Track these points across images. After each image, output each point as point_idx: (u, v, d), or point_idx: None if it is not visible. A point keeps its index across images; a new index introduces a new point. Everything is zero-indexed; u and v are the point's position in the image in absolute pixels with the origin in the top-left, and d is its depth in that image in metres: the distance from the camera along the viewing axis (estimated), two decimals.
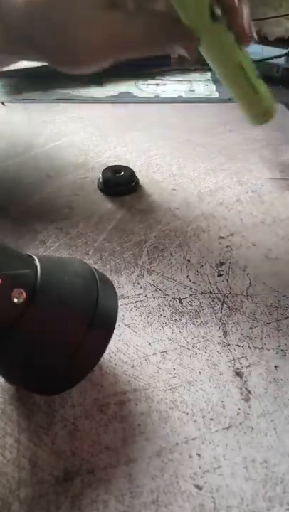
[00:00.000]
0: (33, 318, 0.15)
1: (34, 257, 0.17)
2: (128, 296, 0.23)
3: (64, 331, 0.16)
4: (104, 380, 0.19)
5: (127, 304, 0.23)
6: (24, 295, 0.15)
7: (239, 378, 0.19)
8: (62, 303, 0.16)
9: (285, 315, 0.22)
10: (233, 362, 0.20)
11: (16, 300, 0.15)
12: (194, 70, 0.52)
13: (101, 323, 0.17)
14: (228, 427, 0.18)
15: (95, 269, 0.18)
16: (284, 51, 0.48)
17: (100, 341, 0.17)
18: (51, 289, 0.16)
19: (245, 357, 0.20)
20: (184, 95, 0.47)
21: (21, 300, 0.15)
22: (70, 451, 0.17)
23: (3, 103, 0.44)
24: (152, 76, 0.50)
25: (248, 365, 0.20)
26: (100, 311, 0.16)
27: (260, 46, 0.51)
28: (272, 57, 0.48)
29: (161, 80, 0.50)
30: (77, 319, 0.16)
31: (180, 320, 0.22)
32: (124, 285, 0.24)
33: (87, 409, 0.18)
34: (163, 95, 0.46)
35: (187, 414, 0.18)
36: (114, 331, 0.21)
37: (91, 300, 0.16)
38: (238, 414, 0.18)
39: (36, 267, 0.16)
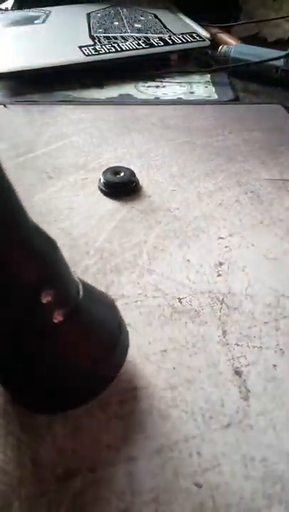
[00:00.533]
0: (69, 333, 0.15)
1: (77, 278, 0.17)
2: (128, 296, 0.23)
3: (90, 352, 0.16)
4: None
5: (127, 304, 0.23)
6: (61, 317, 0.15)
7: (238, 377, 0.19)
8: (94, 325, 0.17)
9: (284, 314, 0.22)
10: (232, 361, 0.20)
11: (55, 320, 0.15)
12: (194, 72, 0.52)
13: (122, 349, 0.18)
14: (227, 426, 0.18)
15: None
16: (283, 53, 0.48)
17: (115, 367, 0.18)
18: (88, 312, 0.16)
19: (244, 356, 0.20)
20: (184, 97, 0.47)
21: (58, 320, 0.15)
22: (71, 450, 0.17)
23: (4, 105, 0.44)
24: (152, 78, 0.50)
25: (247, 364, 0.20)
26: (122, 338, 0.18)
27: (260, 48, 0.51)
28: (271, 59, 0.48)
29: (161, 81, 0.50)
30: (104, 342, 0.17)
31: (180, 319, 0.22)
32: (124, 285, 0.24)
33: (88, 407, 0.18)
34: (163, 97, 0.47)
35: (187, 412, 0.18)
36: None
37: (116, 327, 0.18)
38: (237, 412, 0.18)
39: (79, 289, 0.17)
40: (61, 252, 0.17)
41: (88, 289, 0.18)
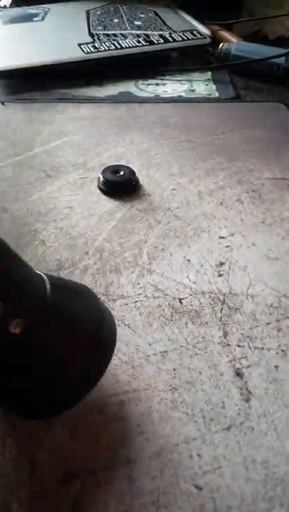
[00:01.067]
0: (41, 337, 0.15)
1: (45, 277, 0.16)
2: (128, 296, 0.23)
3: (70, 353, 0.16)
4: (104, 380, 0.19)
5: (127, 304, 0.23)
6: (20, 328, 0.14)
7: (239, 378, 0.19)
8: (69, 324, 0.16)
9: (286, 315, 0.22)
10: (233, 362, 0.20)
11: (14, 331, 0.14)
12: (194, 70, 0.52)
13: (104, 347, 0.17)
14: (228, 428, 0.17)
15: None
16: (284, 50, 0.48)
17: (101, 364, 0.17)
18: (60, 311, 0.16)
19: (246, 357, 0.20)
20: (184, 95, 0.47)
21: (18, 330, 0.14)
22: (70, 452, 0.17)
23: (3, 103, 0.44)
24: (152, 76, 0.50)
25: (249, 366, 0.20)
26: (105, 333, 0.17)
27: (261, 45, 0.51)
28: (272, 57, 0.48)
29: (162, 79, 0.50)
30: (83, 342, 0.16)
31: (180, 320, 0.22)
32: (124, 285, 0.24)
33: (87, 409, 0.18)
34: (163, 95, 0.46)
35: (187, 414, 0.18)
36: None
37: (96, 323, 0.16)
38: (238, 414, 0.18)
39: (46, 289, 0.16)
40: (11, 253, 0.16)
41: (60, 284, 0.16)
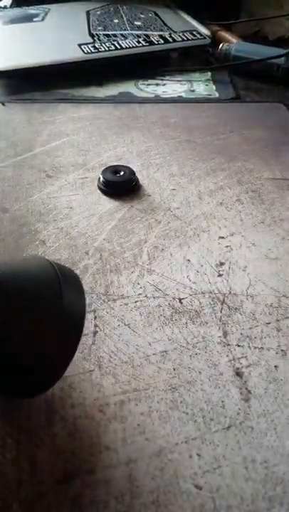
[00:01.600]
0: None
1: None
2: (128, 296, 0.23)
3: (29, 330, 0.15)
4: (104, 380, 0.19)
5: (127, 304, 0.23)
6: None
7: (239, 378, 0.19)
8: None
9: (285, 315, 0.22)
10: (233, 362, 0.20)
11: None
12: (194, 70, 0.52)
13: (66, 321, 0.15)
14: (228, 427, 0.18)
15: (56, 263, 0.17)
16: (284, 51, 0.48)
17: (67, 344, 0.16)
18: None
19: (245, 357, 0.20)
20: (184, 95, 0.47)
21: None
22: (70, 452, 0.17)
23: (3, 103, 0.44)
24: (152, 76, 0.50)
25: (248, 365, 0.20)
26: (66, 304, 0.15)
27: (261, 46, 0.51)
28: (272, 57, 0.48)
29: (161, 79, 0.50)
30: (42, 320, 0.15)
31: (180, 320, 0.22)
32: (124, 285, 0.24)
33: (87, 409, 0.18)
34: (163, 95, 0.46)
35: (187, 414, 0.18)
36: (114, 331, 0.21)
37: (54, 294, 0.15)
38: (238, 414, 0.18)
39: None
40: None
41: (10, 264, 0.16)
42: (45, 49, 0.49)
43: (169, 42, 0.51)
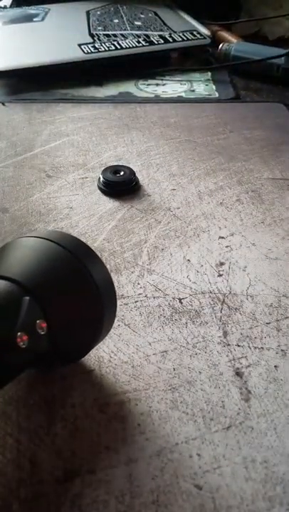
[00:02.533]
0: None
1: None
2: (128, 296, 0.23)
3: None
4: (104, 380, 0.19)
5: (127, 304, 0.23)
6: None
7: (239, 378, 0.19)
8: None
9: (285, 315, 0.22)
10: (233, 362, 0.20)
11: None
12: (194, 70, 0.52)
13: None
14: (228, 427, 0.18)
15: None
16: (284, 51, 0.48)
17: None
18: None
19: (245, 357, 0.20)
20: (184, 95, 0.47)
21: None
22: (70, 451, 0.17)
23: (3, 103, 0.44)
24: (152, 76, 0.50)
25: (248, 365, 0.20)
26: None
27: (261, 46, 0.51)
28: (272, 57, 0.48)
29: (161, 79, 0.50)
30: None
31: (180, 320, 0.22)
32: (124, 285, 0.24)
33: (87, 409, 0.18)
34: (163, 95, 0.46)
35: (187, 414, 0.18)
36: (114, 331, 0.21)
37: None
38: (238, 414, 0.18)
39: None
40: None
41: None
42: (45, 49, 0.49)
43: (169, 42, 0.51)
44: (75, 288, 0.17)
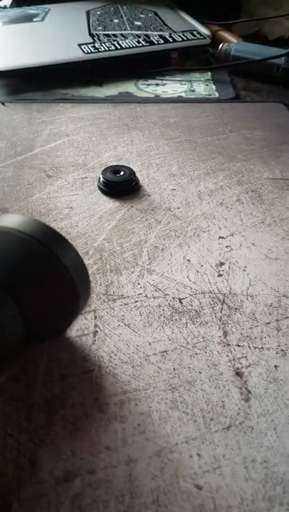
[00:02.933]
0: None
1: None
2: (128, 296, 0.23)
3: None
4: (104, 380, 0.19)
5: (127, 304, 0.23)
6: None
7: (239, 378, 0.19)
8: None
9: (285, 315, 0.22)
10: (233, 362, 0.20)
11: None
12: (194, 70, 0.52)
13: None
14: (228, 427, 0.18)
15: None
16: (284, 51, 0.48)
17: None
18: None
19: (245, 357, 0.20)
20: (184, 95, 0.47)
21: None
22: (70, 451, 0.17)
23: (3, 103, 0.44)
24: (152, 76, 0.50)
25: (248, 365, 0.20)
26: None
27: (261, 46, 0.51)
28: (272, 57, 0.48)
29: (161, 79, 0.50)
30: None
31: (180, 320, 0.22)
32: (124, 285, 0.24)
33: (87, 409, 0.18)
34: (163, 95, 0.46)
35: (187, 414, 0.18)
36: (114, 331, 0.21)
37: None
38: (238, 414, 0.18)
39: None
40: None
41: None
42: (45, 49, 0.49)
43: (169, 42, 0.51)
44: (45, 274, 0.17)
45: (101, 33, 0.53)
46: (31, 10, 0.61)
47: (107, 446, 0.17)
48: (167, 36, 0.52)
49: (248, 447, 0.17)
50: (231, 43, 0.53)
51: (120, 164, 0.33)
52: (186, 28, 0.55)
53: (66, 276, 0.17)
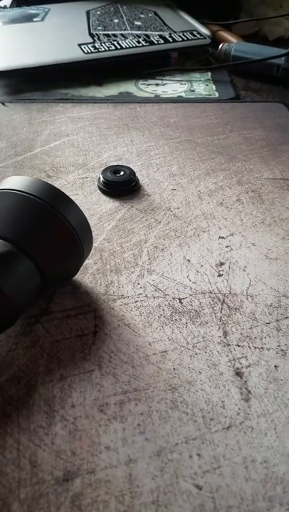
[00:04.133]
0: None
1: None
2: (128, 296, 0.23)
3: None
4: (104, 380, 0.19)
5: (127, 304, 0.23)
6: None
7: (239, 378, 0.19)
8: None
9: (285, 315, 0.22)
10: (233, 362, 0.20)
11: None
12: (194, 70, 0.52)
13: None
14: (228, 427, 0.18)
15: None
16: (284, 51, 0.48)
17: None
18: None
19: (245, 357, 0.20)
20: (184, 95, 0.47)
21: None
22: (70, 451, 0.17)
23: (3, 103, 0.44)
24: (152, 76, 0.50)
25: (248, 365, 0.20)
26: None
27: (261, 46, 0.51)
28: (272, 57, 0.48)
29: (161, 79, 0.50)
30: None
31: (180, 320, 0.22)
32: (124, 285, 0.24)
33: (87, 409, 0.18)
34: (163, 95, 0.46)
35: (187, 414, 0.18)
36: (114, 331, 0.21)
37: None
38: (238, 414, 0.18)
39: None
40: None
41: None
42: (45, 49, 0.49)
43: (169, 42, 0.52)
44: (52, 230, 0.20)
45: (101, 33, 0.53)
46: (31, 10, 0.61)
47: (107, 446, 0.17)
48: (167, 36, 0.52)
49: (248, 447, 0.17)
50: (231, 43, 0.53)
51: (120, 164, 0.33)
52: (186, 28, 0.55)
53: (71, 232, 0.20)
